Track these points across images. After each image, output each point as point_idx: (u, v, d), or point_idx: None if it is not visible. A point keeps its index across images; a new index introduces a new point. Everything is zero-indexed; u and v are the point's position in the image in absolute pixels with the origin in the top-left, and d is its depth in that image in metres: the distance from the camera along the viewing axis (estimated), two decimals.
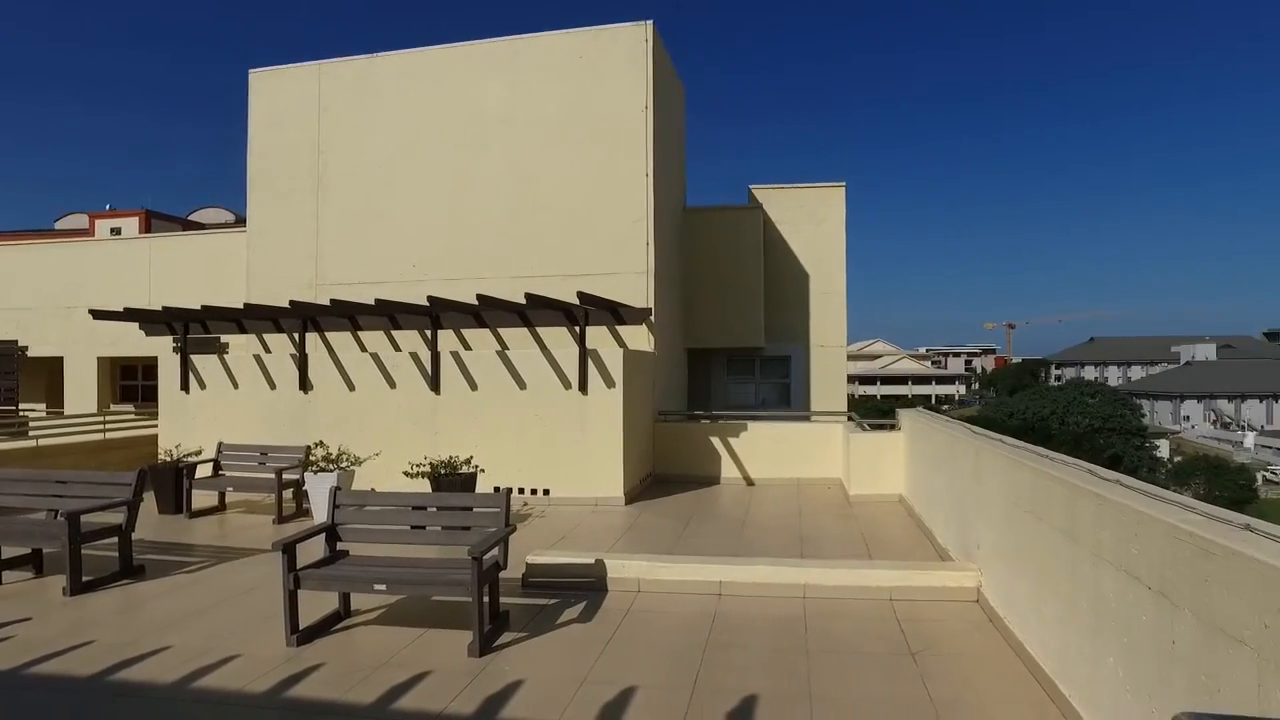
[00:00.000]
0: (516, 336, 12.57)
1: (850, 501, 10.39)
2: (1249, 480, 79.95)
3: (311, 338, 12.45)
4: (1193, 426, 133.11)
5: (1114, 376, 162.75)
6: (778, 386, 16.78)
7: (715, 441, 12.33)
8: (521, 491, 10.51)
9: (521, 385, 10.62)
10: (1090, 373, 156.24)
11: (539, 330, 12.42)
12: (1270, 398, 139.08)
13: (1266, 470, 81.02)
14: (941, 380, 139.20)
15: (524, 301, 10.38)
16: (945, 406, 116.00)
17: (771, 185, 16.92)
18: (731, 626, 5.64)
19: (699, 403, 16.30)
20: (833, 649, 5.19)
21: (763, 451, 12.17)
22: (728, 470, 12.24)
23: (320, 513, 8.61)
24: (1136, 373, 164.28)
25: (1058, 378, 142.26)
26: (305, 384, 11.30)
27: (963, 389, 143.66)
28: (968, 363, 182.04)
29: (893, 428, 10.89)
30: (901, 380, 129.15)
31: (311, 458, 9.53)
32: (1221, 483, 77.31)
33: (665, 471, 12.26)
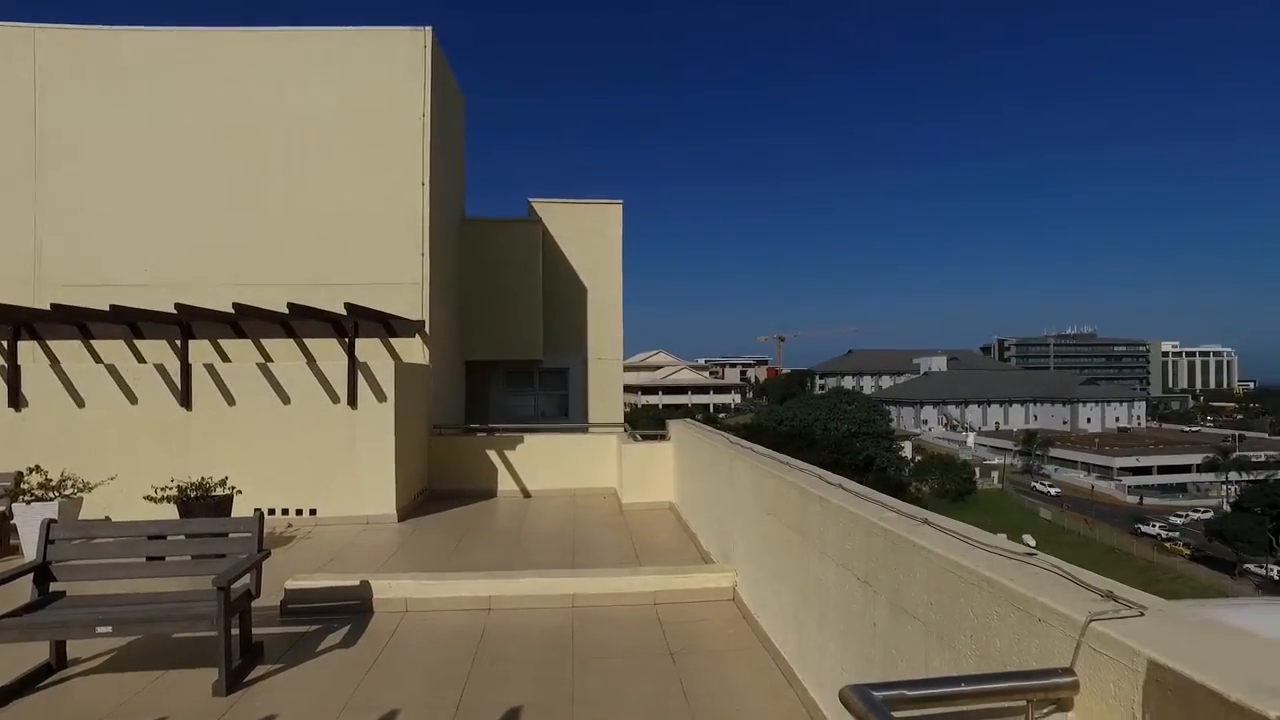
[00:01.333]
0: (281, 348, 11.78)
1: (623, 510, 10.76)
2: (970, 474, 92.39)
3: (28, 346, 10.91)
4: (930, 429, 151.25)
5: (868, 385, 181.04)
6: (556, 398, 17.02)
7: (492, 455, 12.28)
8: (286, 513, 9.86)
9: (285, 400, 9.97)
10: (849, 382, 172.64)
11: (306, 342, 11.73)
12: (985, 403, 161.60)
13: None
14: (719, 390, 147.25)
15: (286, 311, 9.76)
16: (722, 415, 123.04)
17: (551, 199, 17.19)
18: (500, 640, 5.67)
19: (477, 416, 16.14)
20: (598, 655, 5.39)
21: (539, 463, 12.29)
22: (505, 483, 12.23)
23: (32, 549, 7.55)
24: (886, 382, 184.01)
25: (821, 387, 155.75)
26: (17, 400, 9.85)
27: (738, 398, 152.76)
28: (743, 373, 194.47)
29: (663, 438, 11.44)
30: (681, 390, 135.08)
31: (24, 485, 8.33)
32: (950, 477, 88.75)
33: (441, 486, 12.02)
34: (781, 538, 5.00)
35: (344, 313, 10.05)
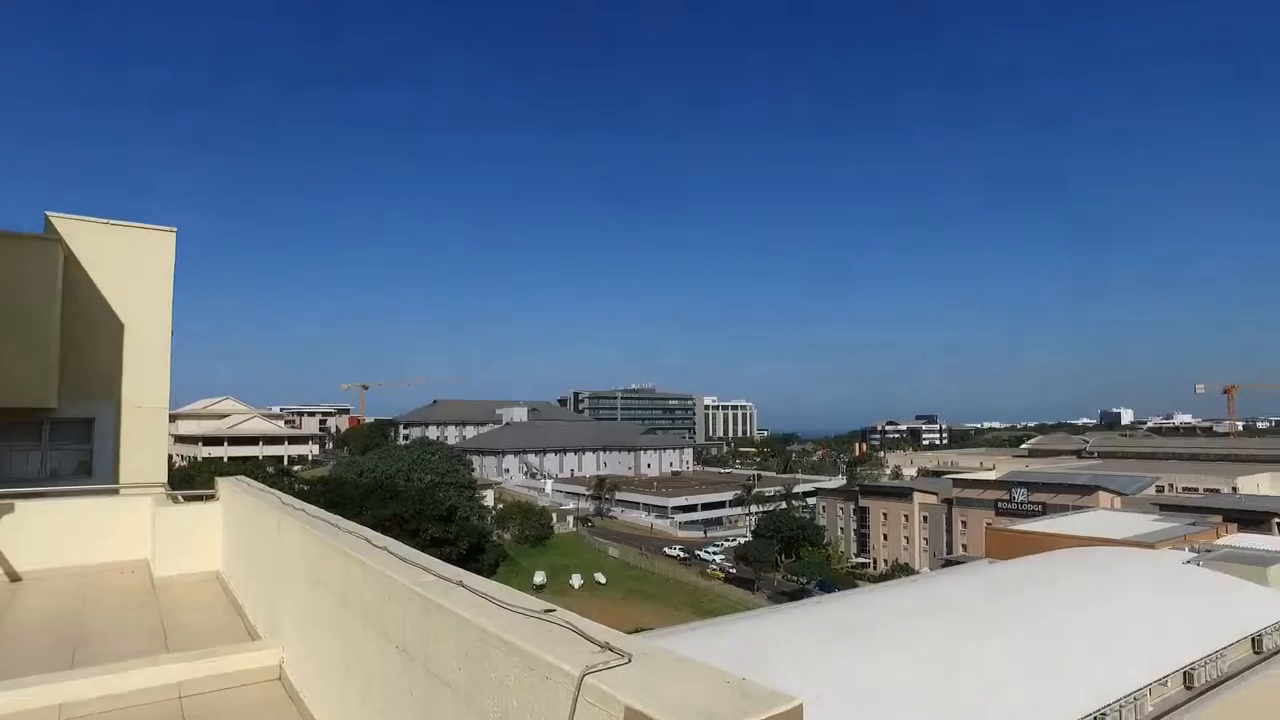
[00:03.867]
0: None
1: (155, 585, 9.17)
2: (548, 519, 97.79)
3: None
4: (511, 477, 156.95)
5: (453, 435, 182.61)
6: (76, 454, 14.00)
7: None
8: None
9: None
10: (433, 432, 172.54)
11: None
12: (562, 451, 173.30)
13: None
14: (296, 440, 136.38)
15: None
16: (298, 467, 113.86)
17: (80, 217, 14.28)
18: None
19: None
20: None
21: (40, 536, 9.93)
22: None
23: None
24: (470, 432, 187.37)
25: (406, 436, 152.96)
26: None
27: (317, 449, 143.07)
28: (323, 422, 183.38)
29: (211, 498, 10.08)
30: (252, 441, 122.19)
31: None
32: (530, 523, 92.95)
33: None
34: (328, 607, 4.64)
35: None
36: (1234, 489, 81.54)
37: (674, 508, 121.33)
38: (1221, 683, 19.28)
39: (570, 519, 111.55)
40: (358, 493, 66.69)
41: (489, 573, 77.25)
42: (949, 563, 51.10)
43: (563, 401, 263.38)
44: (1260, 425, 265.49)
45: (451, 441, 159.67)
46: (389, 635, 3.52)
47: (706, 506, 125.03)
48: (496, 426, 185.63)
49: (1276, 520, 53.62)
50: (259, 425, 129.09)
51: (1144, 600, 23.58)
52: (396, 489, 69.55)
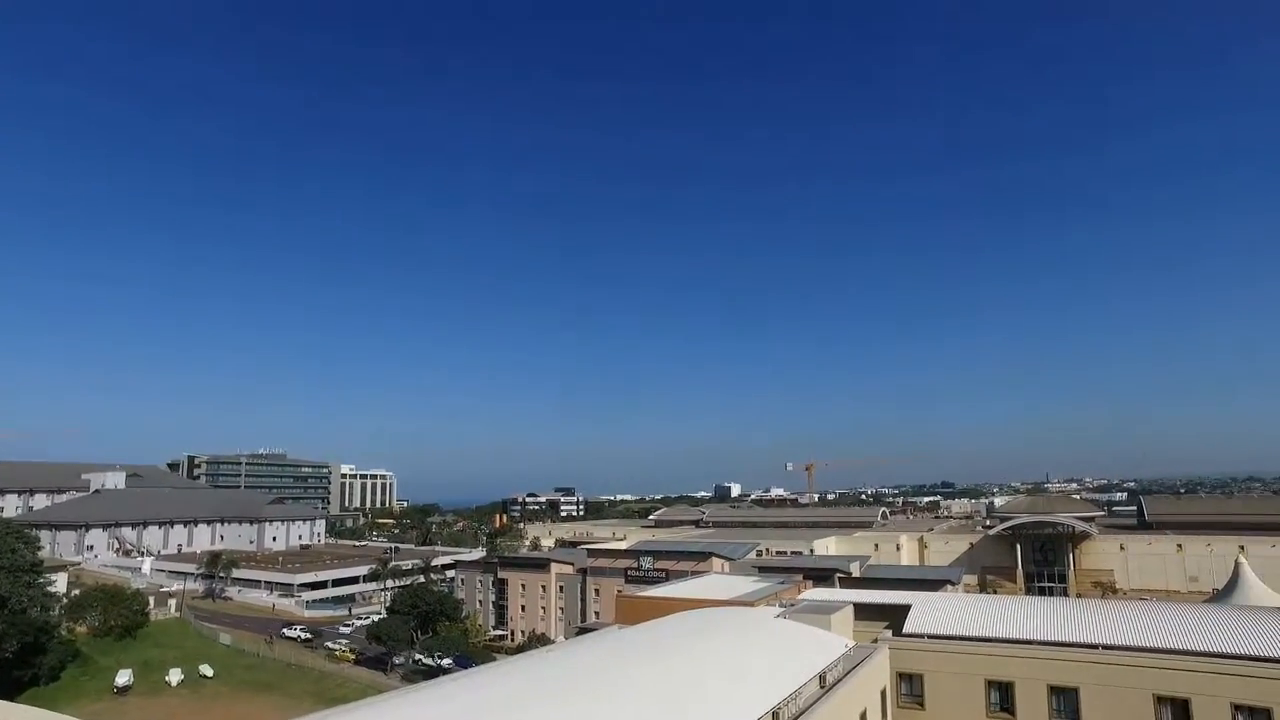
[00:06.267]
0: None
1: None
2: (143, 605, 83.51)
3: None
4: (96, 556, 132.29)
5: (13, 505, 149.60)
6: None
7: None
8: None
9: None
10: None
11: None
12: (169, 524, 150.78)
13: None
14: None
15: None
16: None
17: None
18: None
19: None
20: None
21: None
22: None
23: None
24: (41, 500, 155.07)
25: None
26: None
27: None
28: None
29: None
30: None
31: None
32: (117, 611, 78.55)
33: None
34: None
35: None
36: (811, 550, 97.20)
37: (300, 585, 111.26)
38: (799, 716, 22.77)
39: (173, 603, 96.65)
40: None
41: (48, 679, 63.30)
42: (583, 630, 53.39)
43: (174, 466, 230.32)
44: (830, 496, 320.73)
45: (10, 512, 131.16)
46: None
47: (338, 583, 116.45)
48: (81, 495, 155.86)
49: (838, 575, 64.76)
50: None
51: (743, 653, 26.97)
52: None
